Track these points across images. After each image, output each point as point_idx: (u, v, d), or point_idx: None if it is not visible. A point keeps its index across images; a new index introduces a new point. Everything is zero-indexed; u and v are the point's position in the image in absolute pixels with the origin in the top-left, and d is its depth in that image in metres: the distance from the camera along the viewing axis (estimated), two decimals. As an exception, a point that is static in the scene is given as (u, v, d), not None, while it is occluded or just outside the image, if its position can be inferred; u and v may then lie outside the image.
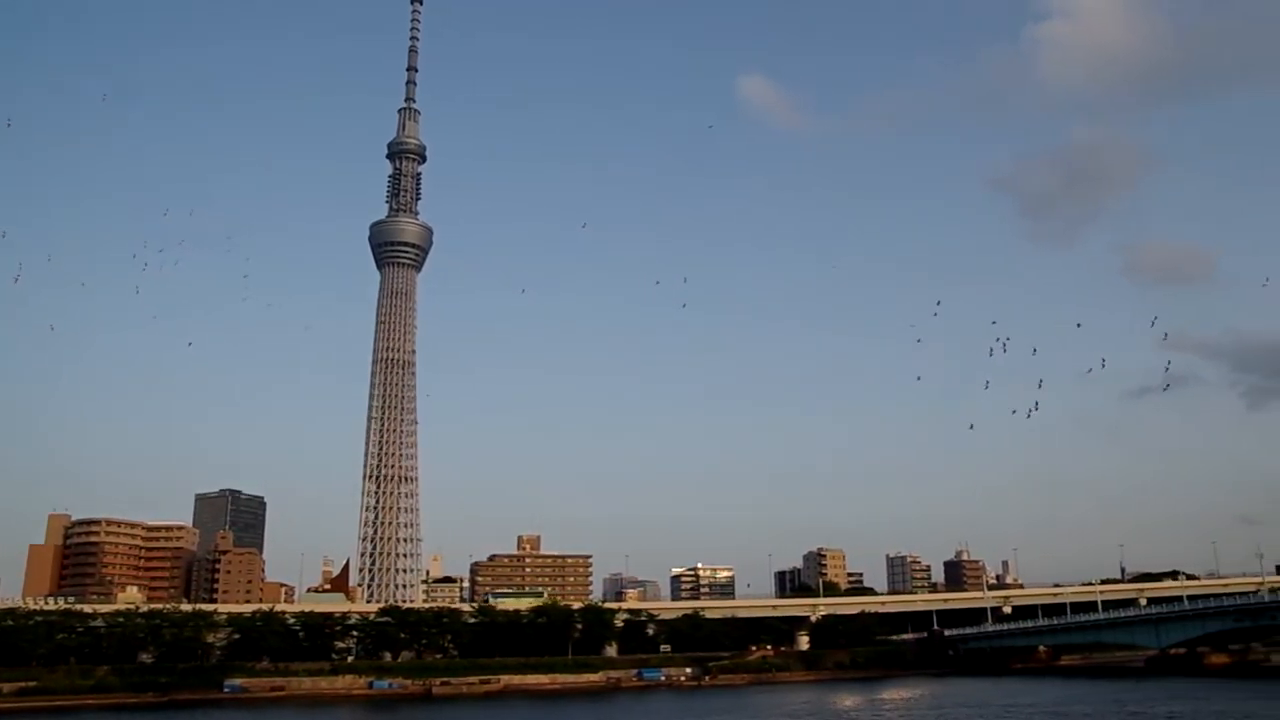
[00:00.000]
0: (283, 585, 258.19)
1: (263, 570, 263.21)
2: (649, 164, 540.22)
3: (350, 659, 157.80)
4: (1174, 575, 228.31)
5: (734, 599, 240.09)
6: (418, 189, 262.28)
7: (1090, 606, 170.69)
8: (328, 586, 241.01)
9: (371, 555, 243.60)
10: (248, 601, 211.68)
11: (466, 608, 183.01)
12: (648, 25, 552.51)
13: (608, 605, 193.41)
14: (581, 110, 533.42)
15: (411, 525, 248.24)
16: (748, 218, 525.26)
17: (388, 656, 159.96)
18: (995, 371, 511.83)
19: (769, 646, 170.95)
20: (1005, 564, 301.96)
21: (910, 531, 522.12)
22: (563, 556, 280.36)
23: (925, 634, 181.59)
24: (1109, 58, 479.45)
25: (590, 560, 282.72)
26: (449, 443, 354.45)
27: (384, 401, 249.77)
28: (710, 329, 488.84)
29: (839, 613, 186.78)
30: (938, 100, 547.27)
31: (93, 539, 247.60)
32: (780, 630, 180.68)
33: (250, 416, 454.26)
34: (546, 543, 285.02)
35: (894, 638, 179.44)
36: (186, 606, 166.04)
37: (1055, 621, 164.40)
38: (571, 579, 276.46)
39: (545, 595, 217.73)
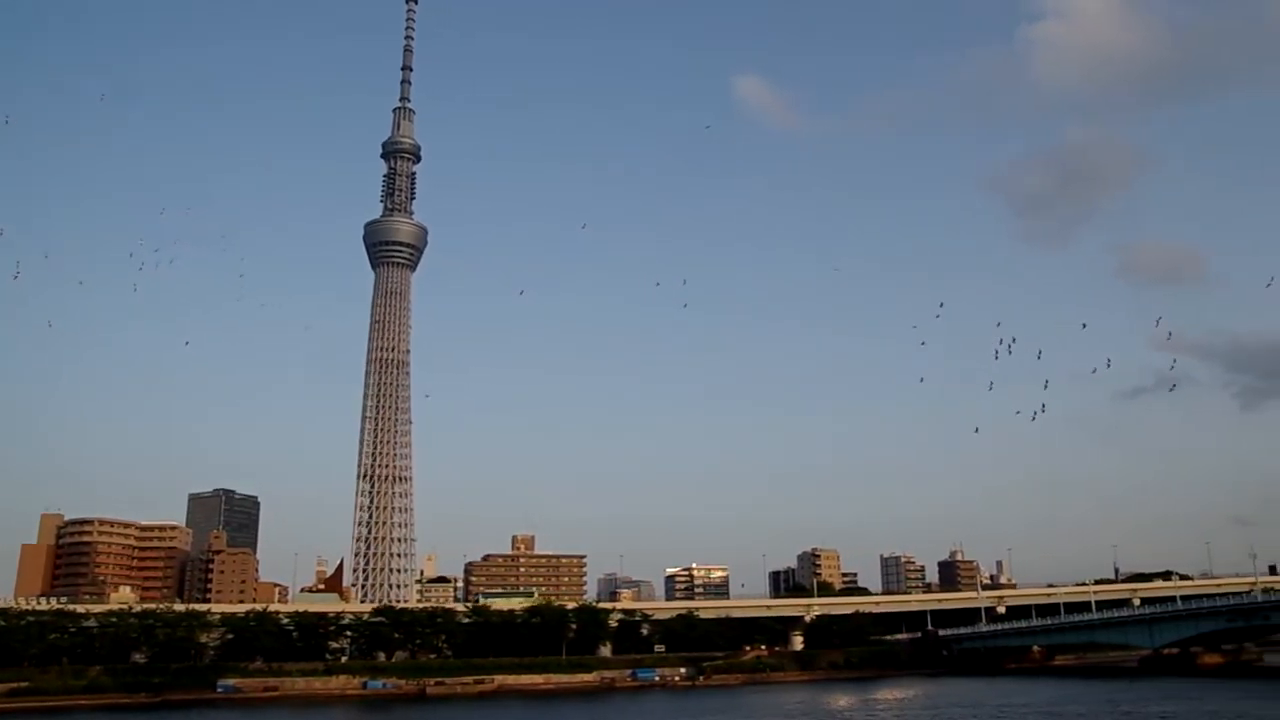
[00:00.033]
0: (276, 585, 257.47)
1: (256, 570, 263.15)
2: (648, 164, 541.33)
3: (344, 659, 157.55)
4: (1167, 575, 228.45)
5: (728, 599, 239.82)
6: (412, 189, 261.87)
7: (1084, 607, 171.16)
8: (322, 586, 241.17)
9: (365, 555, 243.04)
10: (241, 601, 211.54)
11: (461, 608, 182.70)
12: (647, 25, 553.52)
13: (602, 605, 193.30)
14: (581, 110, 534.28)
15: (406, 525, 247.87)
16: (747, 218, 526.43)
17: (382, 656, 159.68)
18: (996, 372, 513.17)
19: (763, 646, 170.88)
20: (999, 564, 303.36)
21: (906, 532, 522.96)
22: (557, 556, 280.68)
23: (919, 634, 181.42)
24: (1103, 58, 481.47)
25: (585, 560, 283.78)
26: (444, 443, 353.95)
27: (378, 401, 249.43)
28: (710, 329, 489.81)
29: (833, 613, 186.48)
30: (935, 100, 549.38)
31: (85, 539, 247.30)
32: (775, 630, 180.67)
33: (245, 416, 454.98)
34: (541, 543, 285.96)
35: (888, 638, 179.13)
36: (180, 606, 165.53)
37: (1049, 622, 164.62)
38: (566, 579, 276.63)
39: (537, 595, 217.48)
